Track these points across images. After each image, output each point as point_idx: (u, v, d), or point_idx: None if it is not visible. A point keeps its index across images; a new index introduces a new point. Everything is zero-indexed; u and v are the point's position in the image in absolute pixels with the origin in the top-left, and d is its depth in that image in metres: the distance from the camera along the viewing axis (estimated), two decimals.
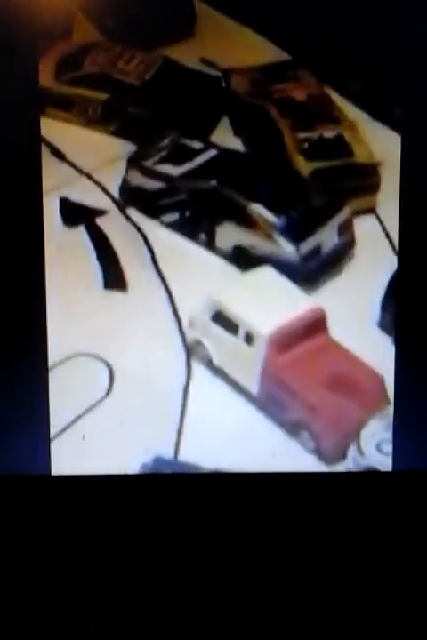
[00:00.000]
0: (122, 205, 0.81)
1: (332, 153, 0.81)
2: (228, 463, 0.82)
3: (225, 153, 0.82)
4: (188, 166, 0.82)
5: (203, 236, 0.82)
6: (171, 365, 0.82)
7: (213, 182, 0.81)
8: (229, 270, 0.82)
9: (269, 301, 0.82)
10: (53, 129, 0.79)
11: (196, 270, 0.81)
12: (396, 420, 0.82)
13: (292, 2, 0.78)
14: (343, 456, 0.82)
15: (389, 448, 0.82)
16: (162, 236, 0.82)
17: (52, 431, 0.81)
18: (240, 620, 0.78)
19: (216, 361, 0.83)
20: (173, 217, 0.82)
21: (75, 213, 0.81)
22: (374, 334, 0.82)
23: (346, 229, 0.82)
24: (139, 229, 0.82)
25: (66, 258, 0.80)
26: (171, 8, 0.80)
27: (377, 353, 0.82)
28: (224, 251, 0.82)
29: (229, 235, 0.82)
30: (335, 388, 0.82)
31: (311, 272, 0.82)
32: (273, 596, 0.80)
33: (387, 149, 0.80)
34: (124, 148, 0.81)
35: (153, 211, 0.82)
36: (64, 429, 0.81)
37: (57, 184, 0.80)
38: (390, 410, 0.82)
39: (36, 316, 0.80)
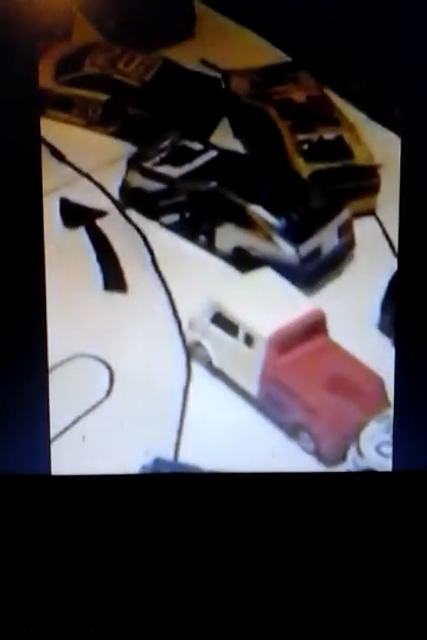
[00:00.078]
0: (122, 206, 0.81)
1: (332, 154, 0.81)
2: (227, 464, 0.82)
3: (225, 154, 0.81)
4: (188, 167, 0.82)
5: (203, 238, 0.82)
6: (171, 367, 0.82)
7: (213, 184, 0.81)
8: (229, 272, 0.82)
9: (268, 303, 0.82)
10: (53, 130, 0.79)
11: (196, 272, 0.82)
12: (396, 422, 0.82)
13: (292, 3, 0.78)
14: (343, 458, 0.82)
15: (388, 450, 0.82)
16: (162, 237, 0.82)
17: (53, 432, 0.81)
18: (240, 619, 0.78)
19: (216, 362, 0.83)
20: (172, 218, 0.82)
21: (75, 214, 0.81)
22: (374, 336, 0.82)
23: (346, 231, 0.82)
24: (139, 230, 0.82)
25: (66, 259, 0.80)
26: (171, 9, 0.80)
27: (377, 355, 0.82)
28: (224, 252, 0.82)
29: (228, 236, 0.82)
30: (335, 390, 0.82)
31: (311, 274, 0.82)
32: (273, 595, 0.80)
33: (387, 151, 0.80)
34: (123, 149, 0.81)
35: (153, 212, 0.82)
36: (64, 430, 0.81)
37: (57, 185, 0.80)
38: (390, 412, 0.82)
39: (37, 317, 0.80)
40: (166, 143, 0.81)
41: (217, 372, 0.83)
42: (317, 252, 0.82)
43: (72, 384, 0.81)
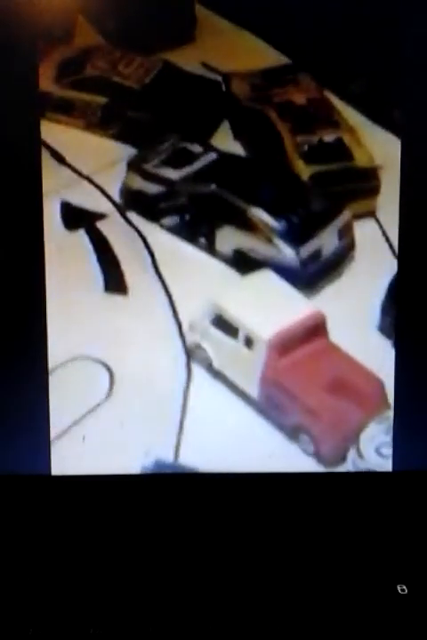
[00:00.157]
0: (122, 208, 0.81)
1: (332, 156, 0.81)
2: (227, 465, 0.82)
3: (225, 157, 0.81)
4: (188, 170, 0.82)
5: (203, 240, 0.82)
6: (171, 368, 0.82)
7: (213, 186, 0.81)
8: (229, 274, 0.82)
9: (268, 305, 0.82)
10: (54, 132, 0.80)
11: (196, 274, 0.82)
12: (396, 424, 0.82)
13: (292, 6, 0.78)
14: (343, 459, 0.82)
15: (388, 451, 0.82)
16: (162, 239, 0.82)
17: (53, 433, 0.82)
18: (240, 618, 0.78)
19: (216, 364, 0.83)
20: (173, 220, 0.82)
21: (75, 216, 0.81)
22: (374, 338, 0.82)
23: (346, 233, 0.82)
24: (139, 233, 0.82)
25: (66, 261, 0.81)
26: (172, 13, 0.80)
27: (377, 356, 0.82)
28: (224, 254, 0.82)
29: (229, 238, 0.82)
30: (335, 392, 0.82)
31: (311, 276, 0.82)
32: (273, 594, 0.80)
33: (387, 153, 0.80)
34: (124, 151, 0.81)
35: (153, 214, 0.82)
36: (65, 431, 0.82)
37: (57, 187, 0.80)
38: (390, 413, 0.82)
39: (37, 319, 0.80)
40: (166, 145, 0.82)
41: (217, 374, 0.83)
42: (317, 254, 0.82)
43: (72, 385, 0.81)
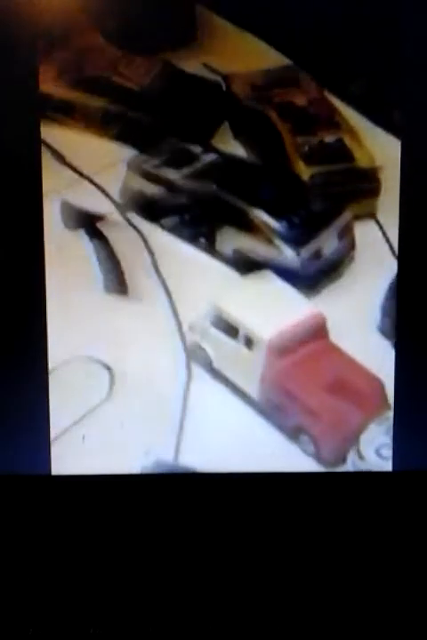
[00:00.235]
0: (122, 209, 0.82)
1: (332, 157, 0.81)
2: (227, 465, 0.82)
3: (225, 157, 0.82)
4: (188, 170, 0.82)
5: (203, 240, 0.82)
6: (171, 368, 0.82)
7: (214, 186, 0.81)
8: (230, 274, 0.82)
9: (269, 306, 0.82)
10: (54, 132, 0.80)
11: (196, 274, 0.82)
12: (396, 425, 0.82)
13: (292, 7, 0.78)
14: (343, 460, 0.82)
15: (388, 452, 0.82)
16: (162, 239, 0.82)
17: (53, 433, 0.82)
18: (240, 618, 0.78)
19: (216, 365, 0.83)
20: (173, 221, 0.82)
21: (75, 217, 0.81)
22: (374, 338, 0.82)
23: (346, 234, 0.82)
24: (139, 233, 0.82)
25: (66, 261, 0.81)
26: (172, 13, 0.80)
27: (377, 357, 0.82)
28: (224, 255, 0.82)
29: (229, 239, 0.82)
30: (335, 393, 0.82)
31: (311, 276, 0.82)
32: (273, 594, 0.80)
33: (387, 154, 0.80)
34: (124, 151, 0.81)
35: (153, 214, 0.82)
36: (65, 431, 0.82)
37: (57, 187, 0.80)
38: (390, 414, 0.82)
39: (37, 319, 0.80)
40: (167, 146, 0.82)
41: (217, 375, 0.83)
42: (317, 254, 0.82)
43: (72, 385, 0.81)
